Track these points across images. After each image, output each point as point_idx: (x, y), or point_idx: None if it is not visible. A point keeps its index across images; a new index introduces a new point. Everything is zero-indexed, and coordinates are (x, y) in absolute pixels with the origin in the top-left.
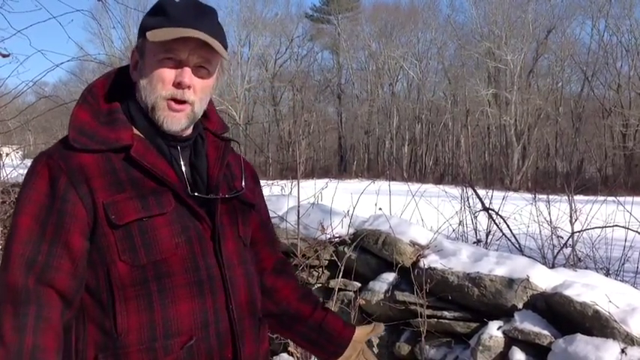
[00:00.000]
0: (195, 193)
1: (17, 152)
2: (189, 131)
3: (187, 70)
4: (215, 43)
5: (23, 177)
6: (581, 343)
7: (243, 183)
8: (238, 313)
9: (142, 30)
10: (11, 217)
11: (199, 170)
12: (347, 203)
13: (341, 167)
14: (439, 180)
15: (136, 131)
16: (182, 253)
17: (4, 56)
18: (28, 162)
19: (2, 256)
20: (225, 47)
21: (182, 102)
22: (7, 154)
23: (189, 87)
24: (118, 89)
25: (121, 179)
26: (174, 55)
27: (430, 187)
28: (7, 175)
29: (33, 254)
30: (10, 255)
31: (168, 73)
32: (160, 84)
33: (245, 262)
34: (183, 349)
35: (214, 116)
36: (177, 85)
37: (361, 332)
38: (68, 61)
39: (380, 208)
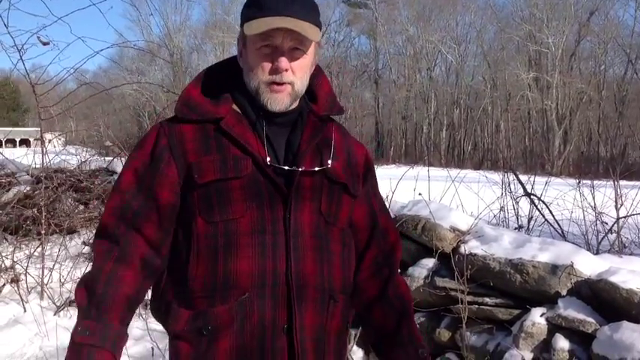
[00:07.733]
0: (275, 164)
1: (59, 139)
2: (294, 106)
3: (282, 56)
4: (303, 28)
5: None
6: (627, 330)
7: (330, 161)
8: (299, 281)
9: (242, 21)
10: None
11: (292, 145)
12: (385, 188)
13: (378, 153)
14: (478, 165)
15: (234, 106)
16: (251, 215)
17: (45, 44)
18: (70, 148)
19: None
20: (318, 25)
21: (281, 84)
22: (50, 141)
23: (286, 70)
24: (229, 71)
25: (210, 144)
26: (270, 42)
27: (469, 173)
28: (49, 160)
29: (129, 202)
30: (110, 200)
31: (266, 60)
32: (259, 70)
33: (320, 237)
34: (237, 301)
35: (322, 98)
36: (275, 70)
37: None
38: (108, 47)
39: (420, 194)
